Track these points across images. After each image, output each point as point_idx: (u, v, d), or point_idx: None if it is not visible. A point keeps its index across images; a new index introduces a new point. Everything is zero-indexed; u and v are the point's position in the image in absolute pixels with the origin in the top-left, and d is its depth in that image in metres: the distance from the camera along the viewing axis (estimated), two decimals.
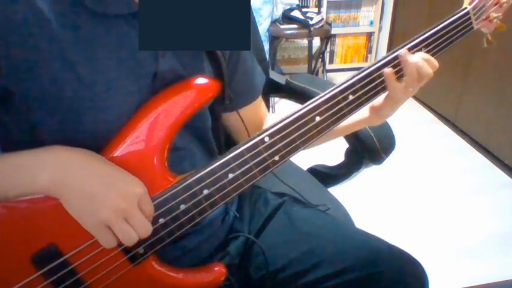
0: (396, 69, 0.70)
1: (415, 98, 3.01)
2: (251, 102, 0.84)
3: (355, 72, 0.70)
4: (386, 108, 0.73)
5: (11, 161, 0.57)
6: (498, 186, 2.14)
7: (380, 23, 3.48)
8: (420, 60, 0.69)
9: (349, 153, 1.14)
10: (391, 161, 1.07)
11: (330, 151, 1.20)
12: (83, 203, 0.56)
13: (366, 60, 3.61)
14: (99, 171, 0.58)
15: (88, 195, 0.56)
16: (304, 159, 1.00)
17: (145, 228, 0.59)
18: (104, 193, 0.56)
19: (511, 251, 1.74)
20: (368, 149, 1.03)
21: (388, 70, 0.69)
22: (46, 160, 0.57)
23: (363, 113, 0.76)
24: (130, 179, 0.60)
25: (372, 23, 3.48)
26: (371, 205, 1.98)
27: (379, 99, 0.73)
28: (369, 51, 3.58)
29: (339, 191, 1.13)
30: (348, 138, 1.09)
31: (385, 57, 0.71)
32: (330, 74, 3.36)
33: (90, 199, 0.56)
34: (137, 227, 0.58)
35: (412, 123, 2.70)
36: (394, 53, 0.71)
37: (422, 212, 1.95)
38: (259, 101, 0.86)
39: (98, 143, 0.61)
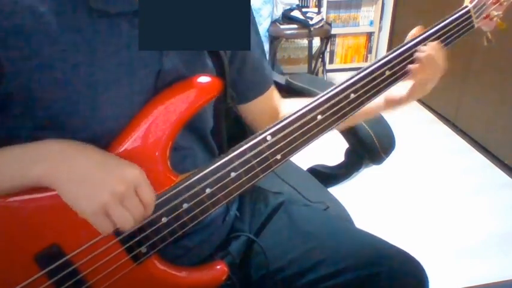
0: (399, 66, 0.71)
1: None
2: (262, 94, 0.84)
3: (357, 70, 0.70)
4: (404, 98, 0.77)
5: (5, 153, 0.57)
6: (498, 186, 2.14)
7: (380, 23, 3.48)
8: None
9: (349, 153, 1.14)
10: (391, 161, 1.07)
11: (330, 151, 1.21)
12: (79, 189, 0.56)
13: (366, 60, 3.60)
14: (93, 157, 0.58)
15: (83, 181, 0.56)
16: (304, 159, 1.00)
17: (141, 212, 0.58)
18: (100, 177, 0.56)
19: (511, 251, 1.74)
20: (368, 149, 1.03)
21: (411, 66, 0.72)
22: (39, 152, 0.57)
23: (377, 104, 0.79)
24: (125, 163, 0.59)
25: (372, 23, 3.48)
26: (371, 205, 1.98)
27: (395, 90, 0.76)
28: (369, 51, 3.58)
29: (339, 191, 1.14)
30: (348, 138, 1.09)
31: (386, 56, 0.71)
32: (330, 74, 3.36)
33: (86, 185, 0.56)
34: (133, 210, 0.57)
35: (412, 123, 2.70)
36: (395, 51, 0.72)
37: (422, 212, 1.95)
38: (271, 92, 0.86)
39: (100, 143, 0.61)
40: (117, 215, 0.56)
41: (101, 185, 0.56)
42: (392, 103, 0.79)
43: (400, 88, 0.77)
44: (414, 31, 0.74)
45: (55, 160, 0.56)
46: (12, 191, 0.58)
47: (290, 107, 0.85)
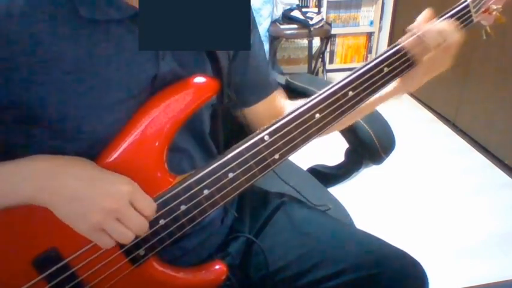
0: (397, 62, 0.70)
1: (415, 97, 3.01)
2: (265, 98, 0.83)
3: (355, 68, 0.70)
4: (418, 76, 0.72)
5: None
6: (498, 186, 2.14)
7: (380, 23, 3.48)
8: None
9: (349, 153, 1.14)
10: (391, 161, 1.07)
11: (330, 151, 1.20)
12: (72, 208, 0.56)
13: (366, 60, 3.59)
14: (83, 175, 0.57)
15: (75, 199, 0.55)
16: (304, 159, 1.00)
17: (140, 225, 0.58)
18: (90, 196, 0.56)
19: (511, 251, 1.73)
20: (368, 149, 1.03)
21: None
22: (27, 170, 0.57)
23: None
24: (116, 178, 0.59)
25: (372, 23, 3.48)
26: (371, 205, 1.98)
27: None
28: (369, 51, 3.58)
29: (339, 191, 1.13)
30: (348, 138, 1.09)
31: (384, 53, 0.71)
32: (330, 74, 3.36)
33: (78, 203, 0.55)
34: (131, 225, 0.57)
35: (412, 123, 2.70)
36: (392, 48, 0.71)
37: (422, 212, 1.95)
38: (275, 95, 0.85)
39: (98, 146, 0.61)
40: (113, 231, 0.56)
41: (92, 203, 0.55)
42: (405, 81, 0.75)
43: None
44: (423, 16, 0.73)
45: (44, 179, 0.56)
46: (8, 207, 0.57)
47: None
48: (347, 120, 0.73)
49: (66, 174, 0.57)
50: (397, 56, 0.71)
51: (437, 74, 0.73)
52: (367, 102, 0.73)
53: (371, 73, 0.70)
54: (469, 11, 0.75)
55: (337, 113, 0.69)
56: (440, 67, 0.72)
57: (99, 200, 0.56)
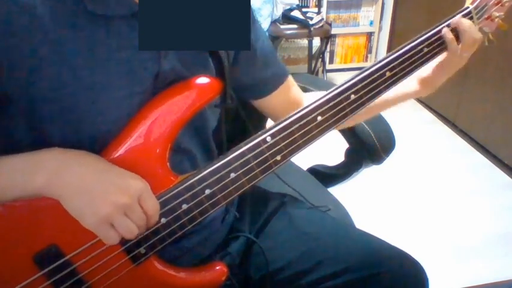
0: (400, 67, 0.71)
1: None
2: (278, 87, 0.83)
3: (357, 71, 0.70)
4: (438, 77, 0.77)
5: (6, 163, 0.57)
6: (498, 186, 2.14)
7: (380, 23, 3.48)
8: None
9: (349, 153, 1.14)
10: (391, 161, 1.07)
11: (330, 151, 1.20)
12: (82, 200, 0.56)
13: (366, 60, 3.60)
14: (96, 169, 0.58)
15: (87, 192, 0.56)
16: (304, 159, 1.00)
17: (143, 222, 0.59)
18: (103, 189, 0.56)
19: (511, 251, 1.74)
20: (368, 149, 1.03)
21: (447, 32, 0.72)
22: (42, 162, 0.57)
23: (410, 86, 0.80)
24: (128, 174, 0.59)
25: (372, 23, 3.48)
26: (371, 205, 1.98)
27: (428, 70, 0.77)
28: (369, 51, 3.58)
29: (339, 191, 1.14)
30: (348, 138, 1.09)
31: (386, 58, 0.71)
32: (330, 74, 3.36)
33: (89, 196, 0.56)
34: (136, 220, 0.57)
35: (412, 123, 2.70)
36: (395, 53, 0.71)
37: (422, 212, 1.95)
38: (289, 83, 0.85)
39: (99, 144, 0.61)
40: (121, 225, 0.57)
41: (104, 197, 0.56)
42: (425, 83, 0.79)
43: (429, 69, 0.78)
44: None
45: (56, 171, 0.56)
46: (13, 200, 0.57)
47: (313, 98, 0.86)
48: (358, 117, 0.75)
49: (78, 166, 0.57)
50: (400, 60, 0.71)
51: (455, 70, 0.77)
52: (381, 102, 0.76)
53: (373, 77, 0.70)
54: (472, 18, 0.75)
55: (338, 116, 0.69)
56: (457, 66, 0.76)
57: (111, 193, 0.56)
